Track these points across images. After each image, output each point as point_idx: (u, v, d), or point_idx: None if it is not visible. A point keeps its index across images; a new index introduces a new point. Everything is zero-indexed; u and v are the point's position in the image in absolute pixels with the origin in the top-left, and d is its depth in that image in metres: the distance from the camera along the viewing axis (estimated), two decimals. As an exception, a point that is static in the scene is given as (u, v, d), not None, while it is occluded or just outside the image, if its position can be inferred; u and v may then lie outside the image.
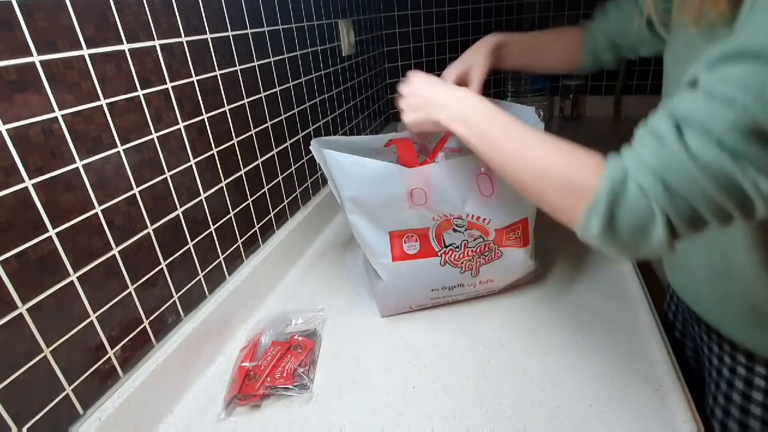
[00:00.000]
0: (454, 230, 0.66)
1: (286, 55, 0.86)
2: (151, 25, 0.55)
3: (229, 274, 0.73)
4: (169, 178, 0.59)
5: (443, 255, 0.66)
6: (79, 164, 0.47)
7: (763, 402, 0.55)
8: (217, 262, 0.70)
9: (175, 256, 0.61)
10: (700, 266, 0.57)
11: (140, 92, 0.54)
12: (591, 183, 0.38)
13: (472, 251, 0.67)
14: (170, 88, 0.59)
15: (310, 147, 0.68)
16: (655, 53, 0.67)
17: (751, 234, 0.48)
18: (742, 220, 0.34)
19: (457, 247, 0.66)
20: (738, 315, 0.54)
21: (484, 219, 0.65)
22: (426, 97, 0.56)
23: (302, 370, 0.61)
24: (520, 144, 0.46)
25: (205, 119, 0.66)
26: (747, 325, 0.54)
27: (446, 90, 0.55)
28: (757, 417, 0.56)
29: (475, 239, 0.66)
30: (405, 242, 0.66)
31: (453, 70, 0.73)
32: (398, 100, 0.61)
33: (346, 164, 0.62)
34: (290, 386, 0.59)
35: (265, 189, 0.82)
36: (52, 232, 0.45)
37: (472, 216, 0.64)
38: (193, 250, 0.65)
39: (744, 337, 0.55)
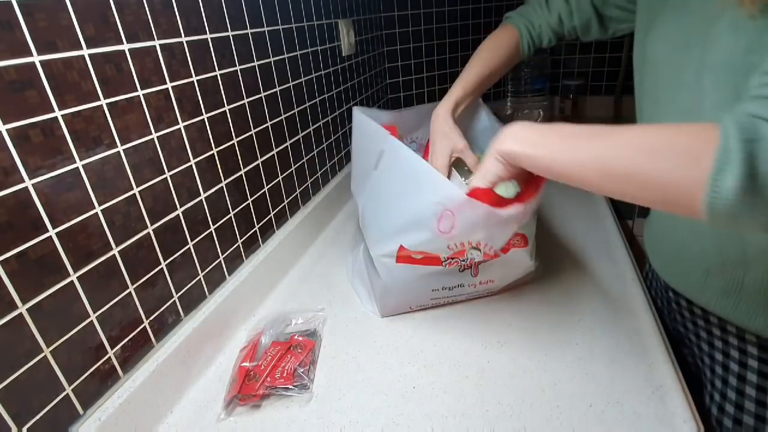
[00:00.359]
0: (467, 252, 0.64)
1: (286, 55, 0.86)
2: (151, 25, 0.55)
3: (229, 274, 0.73)
4: (169, 178, 0.59)
5: (447, 265, 0.66)
6: (79, 164, 0.47)
7: (757, 384, 0.56)
8: (217, 262, 0.70)
9: (175, 256, 0.61)
10: (711, 256, 0.57)
11: (140, 92, 0.54)
12: (712, 136, 0.31)
13: (477, 262, 0.67)
14: (170, 88, 0.59)
15: (354, 114, 0.73)
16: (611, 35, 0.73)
17: None
18: None
19: (463, 259, 0.66)
20: (751, 302, 0.54)
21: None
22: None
23: (302, 370, 0.61)
24: (596, 144, 0.39)
25: (205, 119, 0.66)
26: (761, 308, 0.54)
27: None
28: (752, 399, 0.57)
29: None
30: (413, 253, 0.65)
31: (441, 159, 0.71)
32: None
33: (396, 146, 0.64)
34: (290, 386, 0.59)
35: (265, 189, 0.82)
36: (52, 232, 0.45)
37: (490, 247, 0.62)
38: (193, 250, 0.65)
39: (756, 323, 0.55)
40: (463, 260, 0.66)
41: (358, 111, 0.74)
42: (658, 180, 0.35)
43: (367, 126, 0.71)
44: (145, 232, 0.56)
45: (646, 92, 0.62)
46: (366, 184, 0.73)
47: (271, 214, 0.85)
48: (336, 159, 1.13)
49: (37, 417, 0.44)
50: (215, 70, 0.67)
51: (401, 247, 0.64)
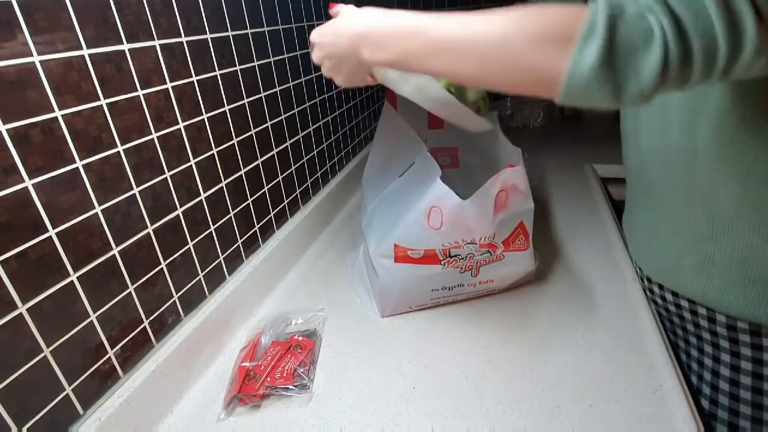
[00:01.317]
0: (463, 248, 0.65)
1: (286, 55, 0.86)
2: (151, 25, 0.55)
3: (229, 274, 0.73)
4: (169, 178, 0.59)
5: (446, 264, 0.66)
6: (79, 164, 0.47)
7: (753, 371, 0.55)
8: (217, 262, 0.70)
9: (175, 256, 0.61)
10: (681, 234, 0.57)
11: (140, 92, 0.54)
12: (580, 16, 0.33)
13: (478, 262, 0.67)
14: (170, 88, 0.59)
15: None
16: None
17: (742, 178, 0.48)
18: (728, 58, 0.32)
19: (463, 258, 0.66)
20: (724, 277, 0.54)
21: (493, 235, 0.65)
22: (333, 33, 0.52)
23: (302, 370, 0.61)
24: (465, 29, 0.39)
25: (205, 119, 0.66)
26: (735, 286, 0.53)
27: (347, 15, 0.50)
28: (748, 388, 0.56)
29: (482, 254, 0.66)
30: (409, 250, 0.66)
31: None
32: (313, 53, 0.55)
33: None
34: (290, 386, 0.59)
35: (265, 189, 0.82)
36: (52, 232, 0.45)
37: (484, 238, 0.64)
38: (193, 250, 0.65)
39: (729, 303, 0.54)
40: (463, 259, 0.66)
41: (389, 105, 0.75)
42: (524, 60, 0.36)
43: (402, 129, 0.71)
44: (145, 232, 0.56)
45: None
46: (382, 185, 0.73)
47: (271, 214, 0.85)
48: (336, 159, 1.13)
49: (37, 417, 0.44)
50: (215, 70, 0.67)
51: (396, 245, 0.65)
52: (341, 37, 0.50)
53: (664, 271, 0.63)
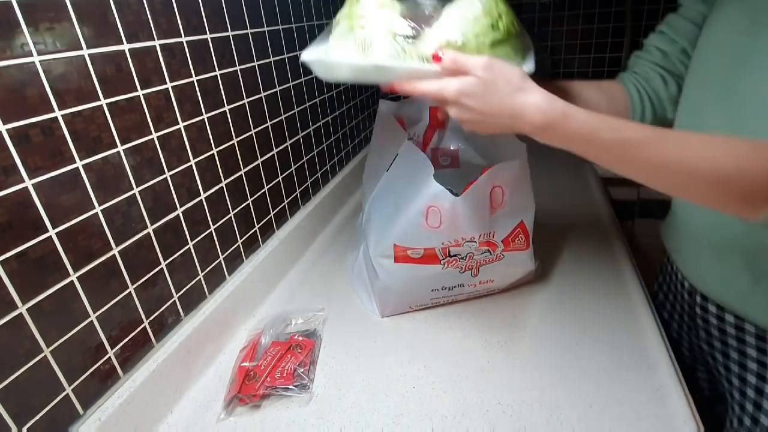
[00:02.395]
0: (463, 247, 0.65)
1: (286, 55, 0.86)
2: (151, 25, 0.55)
3: (229, 274, 0.73)
4: (169, 178, 0.59)
5: (446, 264, 0.66)
6: (79, 164, 0.47)
7: None
8: (217, 262, 0.70)
9: (175, 256, 0.61)
10: (763, 257, 0.52)
11: (140, 92, 0.54)
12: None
13: (478, 262, 0.67)
14: (170, 88, 0.59)
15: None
16: None
17: None
18: None
19: (462, 258, 0.66)
20: None
21: (492, 233, 0.65)
22: (486, 112, 0.45)
23: (302, 370, 0.61)
24: (658, 147, 0.43)
25: (205, 119, 0.66)
26: None
27: (511, 98, 0.44)
28: None
29: (482, 253, 0.66)
30: (408, 249, 0.66)
31: None
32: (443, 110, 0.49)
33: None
34: (290, 386, 0.59)
35: (265, 189, 0.82)
36: (52, 232, 0.45)
37: (483, 236, 0.64)
38: (193, 250, 0.65)
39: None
40: (463, 259, 0.66)
41: (383, 105, 0.75)
42: (706, 196, 0.44)
43: (390, 124, 0.72)
44: (145, 232, 0.56)
45: (699, 80, 0.57)
46: (376, 183, 0.74)
47: (271, 214, 0.85)
48: (336, 159, 1.13)
49: (37, 417, 0.44)
50: (215, 70, 0.67)
51: (395, 245, 0.65)
52: (502, 118, 0.45)
53: (731, 293, 0.57)
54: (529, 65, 0.50)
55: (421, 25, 0.48)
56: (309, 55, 0.50)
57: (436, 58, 0.46)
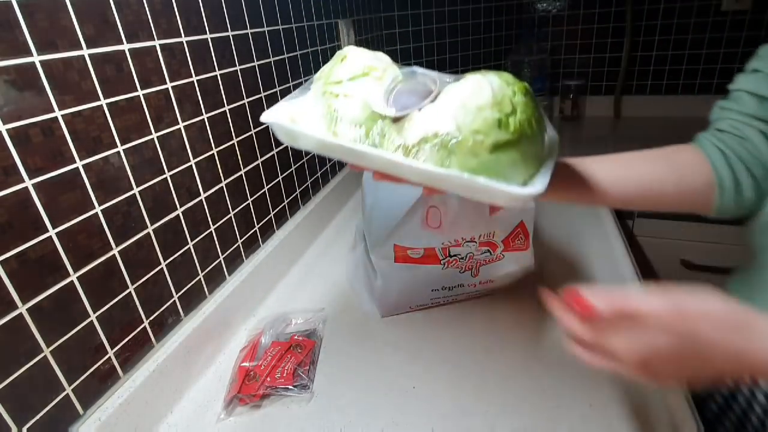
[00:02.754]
0: (462, 247, 0.65)
1: (286, 55, 0.86)
2: (151, 25, 0.55)
3: (229, 274, 0.73)
4: (169, 178, 0.59)
5: (446, 264, 0.66)
6: (79, 164, 0.47)
7: None
8: (217, 262, 0.70)
9: (175, 256, 0.61)
10: None
11: (140, 92, 0.54)
12: None
13: (478, 262, 0.67)
14: (170, 88, 0.59)
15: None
16: None
17: None
18: None
19: (462, 258, 0.66)
20: None
21: (492, 233, 0.65)
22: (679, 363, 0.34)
23: (302, 370, 0.61)
24: None
25: (205, 119, 0.66)
26: None
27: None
28: None
29: (482, 253, 0.66)
30: (408, 249, 0.66)
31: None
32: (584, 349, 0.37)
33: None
34: (290, 386, 0.59)
35: (265, 189, 0.82)
36: (52, 232, 0.45)
37: (483, 236, 0.64)
38: (193, 250, 0.65)
39: None
40: (463, 259, 0.66)
41: None
42: None
43: None
44: (145, 232, 0.56)
45: None
46: (377, 182, 0.74)
47: (271, 214, 0.85)
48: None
49: (37, 417, 0.44)
50: (215, 70, 0.67)
51: (395, 245, 0.65)
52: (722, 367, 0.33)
53: None
54: (539, 185, 0.36)
55: (410, 104, 0.38)
56: (269, 117, 0.42)
57: (582, 306, 0.35)
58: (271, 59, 0.82)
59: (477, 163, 0.35)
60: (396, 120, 0.38)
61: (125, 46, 0.52)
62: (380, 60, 0.43)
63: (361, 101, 0.39)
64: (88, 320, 0.49)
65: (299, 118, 0.42)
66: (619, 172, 0.47)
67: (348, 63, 0.41)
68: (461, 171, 0.35)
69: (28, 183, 0.43)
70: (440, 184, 0.37)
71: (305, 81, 0.93)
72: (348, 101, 0.39)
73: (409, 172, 0.37)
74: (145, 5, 0.54)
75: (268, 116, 0.42)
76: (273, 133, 0.46)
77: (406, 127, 0.37)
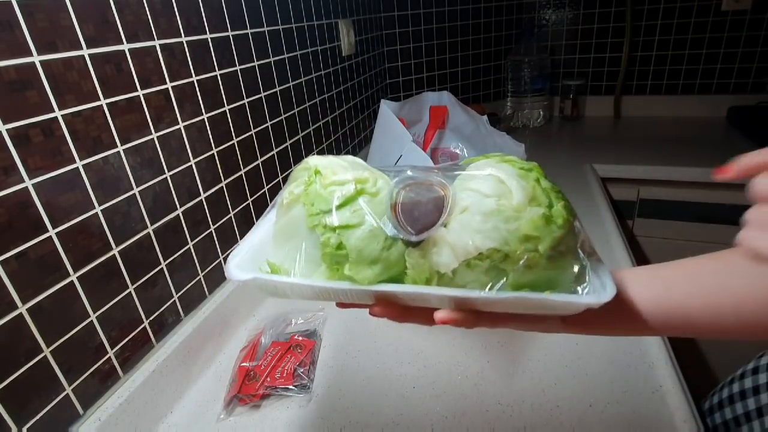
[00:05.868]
0: None
1: (286, 55, 0.86)
2: (151, 25, 0.55)
3: (229, 274, 0.73)
4: (169, 178, 0.59)
5: None
6: (79, 164, 0.47)
7: None
8: (217, 262, 0.70)
9: (175, 256, 0.61)
10: None
11: (140, 92, 0.54)
12: None
13: None
14: (170, 88, 0.59)
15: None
16: None
17: None
18: None
19: None
20: None
21: None
22: None
23: (302, 370, 0.61)
24: None
25: (205, 119, 0.66)
26: None
27: None
28: None
29: None
30: None
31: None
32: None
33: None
34: (290, 386, 0.59)
35: (265, 189, 0.82)
36: (52, 232, 0.45)
37: None
38: (193, 250, 0.65)
39: None
40: None
41: (385, 105, 0.75)
42: None
43: (393, 124, 0.72)
44: (145, 232, 0.56)
45: None
46: None
47: (271, 214, 0.85)
48: (336, 159, 1.13)
49: (37, 417, 0.44)
50: (215, 70, 0.67)
51: None
52: None
53: None
54: (609, 287, 0.30)
55: (426, 219, 0.31)
56: (242, 274, 0.32)
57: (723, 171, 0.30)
58: (271, 59, 0.82)
59: (535, 275, 0.30)
60: (416, 243, 0.31)
61: (125, 46, 0.52)
62: (360, 166, 0.35)
63: (368, 230, 0.31)
64: (88, 320, 0.49)
65: (282, 265, 0.34)
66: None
67: (326, 179, 0.33)
68: (518, 289, 0.30)
69: (28, 183, 0.43)
70: (496, 307, 0.32)
71: (305, 80, 0.93)
72: (352, 234, 0.31)
73: (457, 304, 0.31)
74: (145, 5, 0.54)
75: (239, 273, 0.32)
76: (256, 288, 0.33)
77: (434, 250, 0.31)
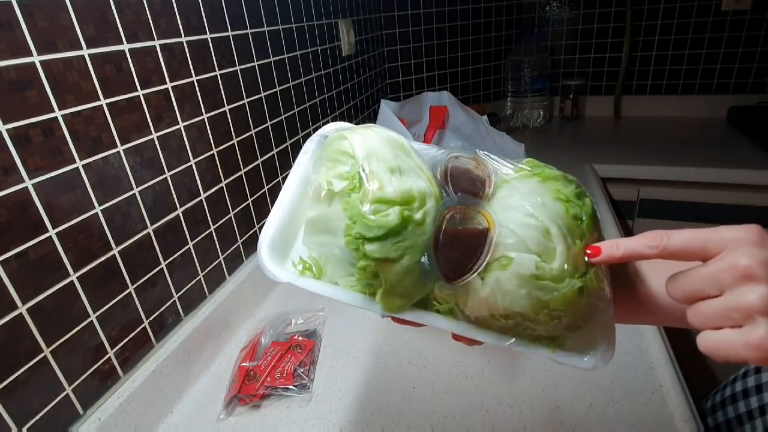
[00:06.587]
0: None
1: (286, 55, 0.86)
2: (151, 25, 0.55)
3: (229, 274, 0.73)
4: (169, 178, 0.59)
5: None
6: (79, 164, 0.47)
7: None
8: (217, 262, 0.70)
9: (175, 256, 0.61)
10: None
11: (140, 92, 0.54)
12: None
13: None
14: (170, 88, 0.59)
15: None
16: None
17: None
18: None
19: None
20: None
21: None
22: None
23: (302, 370, 0.61)
24: None
25: (205, 119, 0.66)
26: None
27: None
28: None
29: None
30: None
31: None
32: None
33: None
34: (290, 386, 0.59)
35: (265, 189, 0.82)
36: (52, 232, 0.45)
37: None
38: (193, 250, 0.65)
39: None
40: None
41: (385, 105, 0.75)
42: None
43: (393, 124, 0.72)
44: (145, 232, 0.56)
45: None
46: None
47: (271, 214, 0.85)
48: (336, 159, 1.13)
49: (37, 417, 0.44)
50: (215, 70, 0.67)
51: None
52: None
53: None
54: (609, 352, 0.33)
55: (458, 258, 0.31)
56: (273, 268, 0.33)
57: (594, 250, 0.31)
58: (271, 59, 0.82)
59: (549, 335, 0.32)
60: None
61: (125, 46, 0.52)
62: (404, 157, 0.33)
63: (405, 266, 0.30)
64: (88, 320, 0.49)
65: (311, 255, 0.34)
66: None
67: (370, 194, 0.30)
68: (532, 340, 0.32)
69: (28, 183, 0.43)
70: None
71: (305, 80, 0.93)
72: (390, 270, 0.30)
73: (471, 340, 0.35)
74: (145, 5, 0.54)
75: (277, 271, 0.33)
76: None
77: (464, 294, 0.32)
